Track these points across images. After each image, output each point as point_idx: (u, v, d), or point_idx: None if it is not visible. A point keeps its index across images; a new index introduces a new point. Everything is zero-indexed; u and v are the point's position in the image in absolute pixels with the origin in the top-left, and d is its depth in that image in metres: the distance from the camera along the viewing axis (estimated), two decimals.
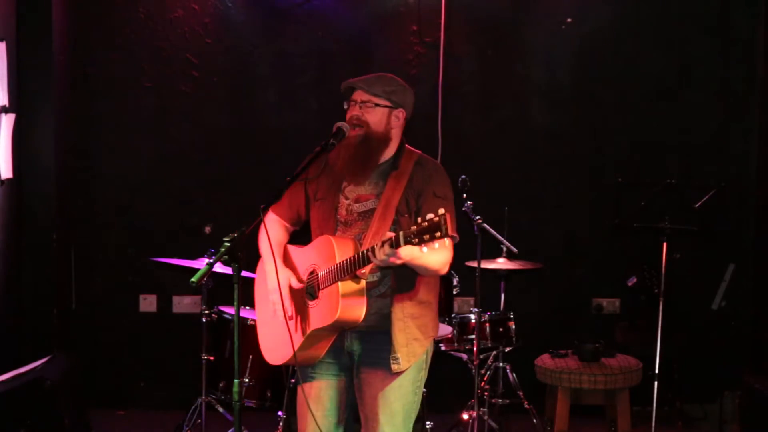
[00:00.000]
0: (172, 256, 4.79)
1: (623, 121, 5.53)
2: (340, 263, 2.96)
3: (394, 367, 3.07)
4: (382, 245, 2.80)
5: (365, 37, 5.51)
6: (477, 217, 4.46)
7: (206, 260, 4.39)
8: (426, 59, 5.46)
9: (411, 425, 3.18)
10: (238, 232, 2.81)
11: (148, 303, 5.58)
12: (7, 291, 4.82)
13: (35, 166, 5.03)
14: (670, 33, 5.50)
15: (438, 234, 2.66)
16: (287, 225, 3.33)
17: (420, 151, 3.23)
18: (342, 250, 2.99)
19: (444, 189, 3.13)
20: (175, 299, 5.56)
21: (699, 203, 5.08)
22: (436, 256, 2.95)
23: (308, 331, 3.06)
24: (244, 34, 5.49)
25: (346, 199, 3.16)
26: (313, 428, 3.15)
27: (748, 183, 5.45)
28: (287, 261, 3.23)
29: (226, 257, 2.76)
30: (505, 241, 4.86)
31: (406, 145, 3.22)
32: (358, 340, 3.14)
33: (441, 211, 2.66)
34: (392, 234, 2.78)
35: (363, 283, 3.00)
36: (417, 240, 2.70)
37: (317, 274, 3.07)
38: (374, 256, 2.83)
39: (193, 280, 2.72)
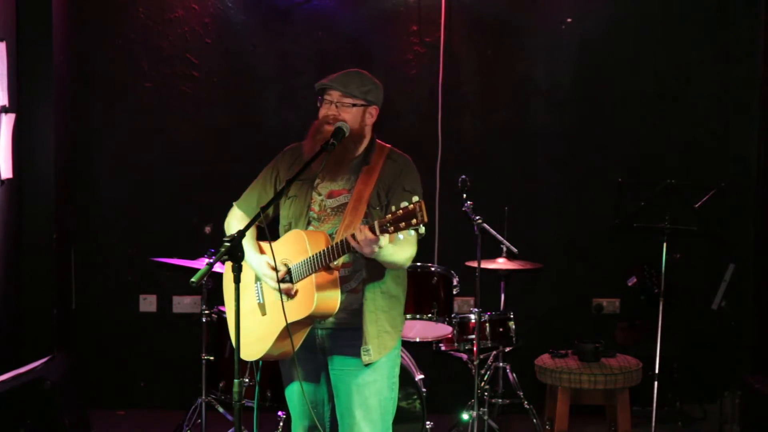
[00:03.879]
0: (172, 256, 4.79)
1: (623, 121, 5.53)
2: (315, 254, 2.98)
3: (365, 358, 3.10)
4: (363, 230, 2.82)
5: (365, 37, 5.51)
6: (477, 217, 4.47)
7: (206, 260, 4.39)
8: (426, 59, 5.46)
9: (389, 421, 3.21)
10: (237, 232, 2.82)
11: (148, 303, 5.58)
12: (7, 291, 4.82)
13: (35, 166, 5.03)
14: (670, 33, 5.50)
15: (414, 221, 2.69)
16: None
17: (390, 146, 3.27)
18: (314, 244, 3.01)
19: (413, 184, 3.17)
20: (175, 299, 5.56)
21: (699, 203, 5.09)
22: (404, 252, 3.04)
23: (284, 324, 3.05)
24: (244, 34, 5.49)
25: (319, 195, 3.20)
26: (303, 423, 3.26)
27: (748, 183, 5.45)
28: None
29: (226, 257, 2.77)
30: (505, 241, 4.87)
31: (377, 141, 3.25)
32: (329, 337, 3.17)
33: (415, 198, 2.71)
34: (367, 226, 2.81)
35: (336, 274, 3.02)
36: (393, 228, 2.74)
37: (289, 268, 3.09)
38: (355, 240, 2.84)
39: (193, 280, 2.72)
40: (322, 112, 3.18)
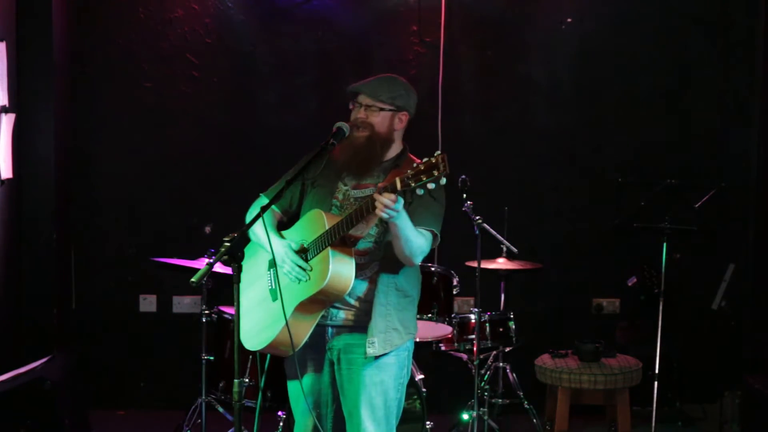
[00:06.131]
0: (172, 256, 4.79)
1: (623, 121, 5.53)
2: (333, 225, 3.00)
3: (369, 350, 3.10)
4: (382, 192, 2.82)
5: (365, 37, 5.51)
6: (477, 217, 4.46)
7: (206, 260, 4.39)
8: (426, 59, 5.46)
9: (394, 422, 3.22)
10: (238, 232, 2.82)
11: (148, 303, 5.58)
12: (7, 291, 4.82)
13: (35, 166, 5.02)
14: (670, 33, 5.50)
15: (435, 173, 2.68)
16: (277, 212, 3.34)
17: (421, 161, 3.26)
18: (331, 221, 3.03)
19: (438, 192, 3.13)
20: (175, 299, 5.56)
21: (699, 203, 5.09)
22: (421, 237, 3.05)
23: (295, 305, 3.05)
24: (244, 34, 5.49)
25: (345, 185, 3.22)
26: (306, 423, 3.25)
27: (748, 183, 5.44)
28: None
29: (226, 257, 2.77)
30: (505, 241, 4.87)
31: (410, 154, 3.27)
32: (340, 335, 3.18)
33: (438, 152, 2.70)
34: (389, 182, 2.81)
35: (352, 251, 3.03)
36: (414, 182, 2.72)
37: (305, 246, 3.10)
38: (374, 202, 2.84)
39: (193, 280, 2.72)
40: (352, 115, 3.23)
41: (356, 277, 3.07)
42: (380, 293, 3.12)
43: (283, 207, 3.33)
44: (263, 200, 3.28)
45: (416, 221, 3.08)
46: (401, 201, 2.84)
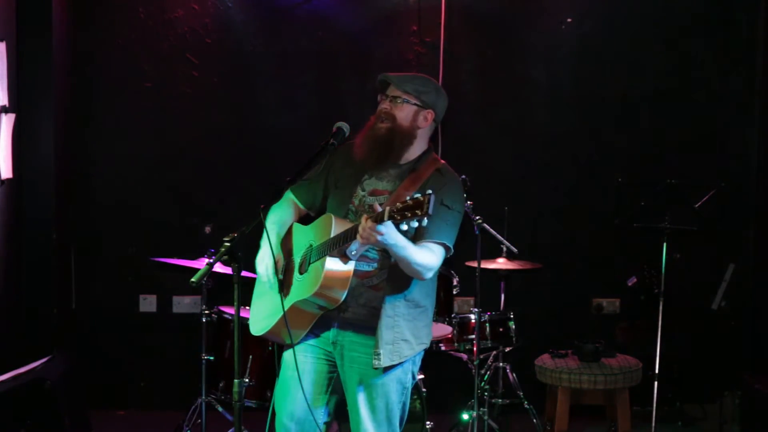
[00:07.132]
0: (172, 256, 4.79)
1: (623, 121, 5.53)
2: (331, 237, 3.01)
3: (375, 362, 3.08)
4: (367, 219, 2.82)
5: (365, 37, 5.51)
6: (477, 217, 4.46)
7: (206, 260, 4.39)
8: (426, 59, 5.46)
9: (397, 424, 3.19)
10: (238, 232, 2.82)
11: (148, 303, 5.58)
12: (7, 291, 4.82)
13: (35, 166, 5.03)
14: (670, 33, 5.50)
15: (419, 212, 2.68)
16: (300, 208, 3.36)
17: (444, 162, 3.25)
18: (339, 228, 3.03)
19: (454, 201, 3.13)
20: (175, 299, 5.56)
21: (699, 203, 5.09)
22: (423, 254, 3.00)
23: (291, 303, 3.08)
24: (244, 34, 5.49)
25: (362, 190, 3.20)
26: (292, 408, 3.20)
27: (748, 183, 5.45)
28: (288, 239, 3.29)
29: (226, 257, 2.78)
30: (505, 241, 4.87)
31: (433, 153, 3.25)
32: (345, 331, 3.17)
33: (428, 191, 2.69)
34: (379, 209, 2.81)
35: (351, 265, 3.02)
36: (399, 216, 2.73)
37: (311, 249, 3.13)
38: (359, 230, 2.85)
39: (193, 280, 2.72)
40: (378, 107, 3.22)
41: (363, 284, 3.09)
42: (387, 304, 3.09)
43: (306, 204, 3.35)
44: (289, 195, 3.33)
45: (426, 233, 3.04)
46: (385, 228, 2.79)
